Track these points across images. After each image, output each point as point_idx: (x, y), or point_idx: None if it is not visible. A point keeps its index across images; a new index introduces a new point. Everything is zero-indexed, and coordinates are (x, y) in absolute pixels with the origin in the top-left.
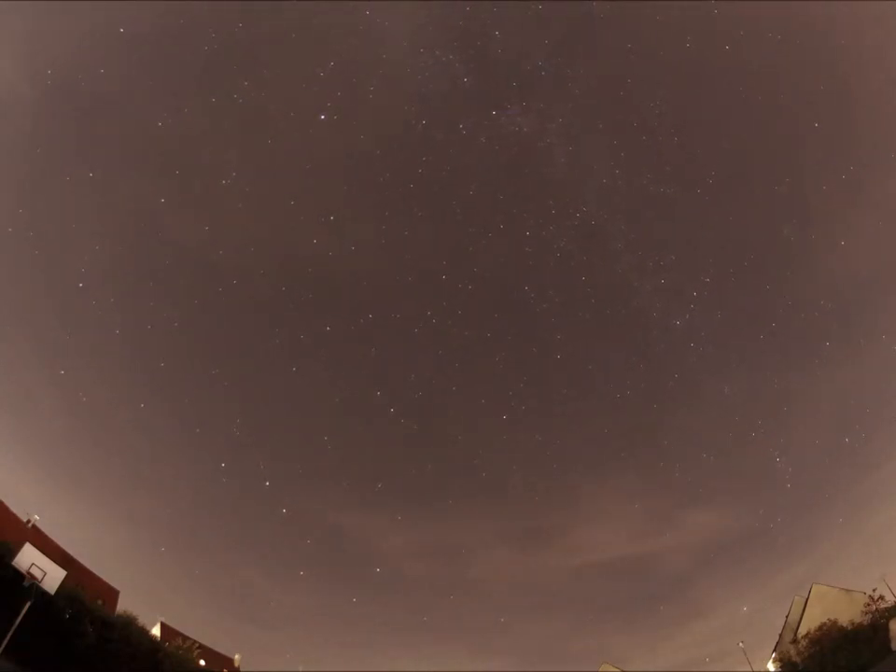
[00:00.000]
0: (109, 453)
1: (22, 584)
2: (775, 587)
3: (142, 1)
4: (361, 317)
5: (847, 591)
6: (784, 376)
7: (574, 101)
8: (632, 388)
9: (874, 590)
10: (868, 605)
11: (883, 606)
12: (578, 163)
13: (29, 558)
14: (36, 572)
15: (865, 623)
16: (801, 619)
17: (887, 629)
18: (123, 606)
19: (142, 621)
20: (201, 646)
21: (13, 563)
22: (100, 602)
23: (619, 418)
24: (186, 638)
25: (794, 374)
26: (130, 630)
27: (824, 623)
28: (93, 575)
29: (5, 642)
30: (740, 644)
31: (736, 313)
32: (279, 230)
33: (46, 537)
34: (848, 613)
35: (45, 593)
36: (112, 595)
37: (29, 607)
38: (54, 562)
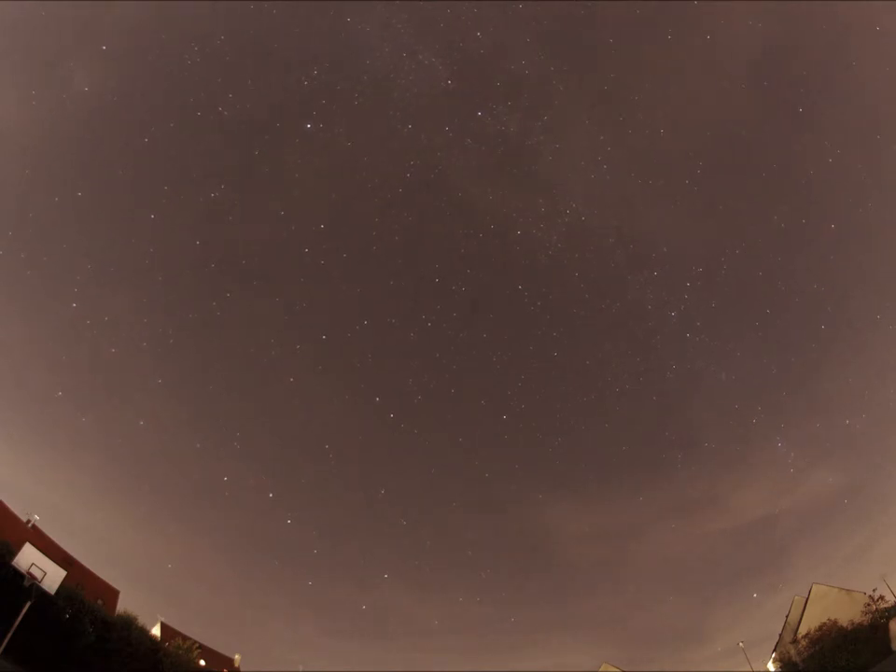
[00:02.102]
0: (110, 462)
1: (22, 584)
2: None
3: (123, 16)
4: (357, 324)
5: (847, 591)
6: (781, 361)
7: (559, 98)
8: (630, 381)
9: (874, 590)
10: (868, 605)
11: (883, 606)
12: (565, 160)
13: (29, 558)
14: (36, 572)
15: (865, 622)
16: (801, 619)
17: (887, 629)
18: (123, 606)
19: (142, 621)
20: (201, 646)
21: (13, 563)
22: (100, 602)
23: (618, 412)
24: (186, 638)
25: (791, 359)
26: (130, 630)
27: (824, 623)
28: (93, 575)
29: (5, 642)
30: (740, 644)
31: (731, 301)
32: (269, 241)
33: (46, 537)
34: (848, 613)
35: (45, 593)
36: (112, 594)
37: (29, 607)
38: (54, 562)
